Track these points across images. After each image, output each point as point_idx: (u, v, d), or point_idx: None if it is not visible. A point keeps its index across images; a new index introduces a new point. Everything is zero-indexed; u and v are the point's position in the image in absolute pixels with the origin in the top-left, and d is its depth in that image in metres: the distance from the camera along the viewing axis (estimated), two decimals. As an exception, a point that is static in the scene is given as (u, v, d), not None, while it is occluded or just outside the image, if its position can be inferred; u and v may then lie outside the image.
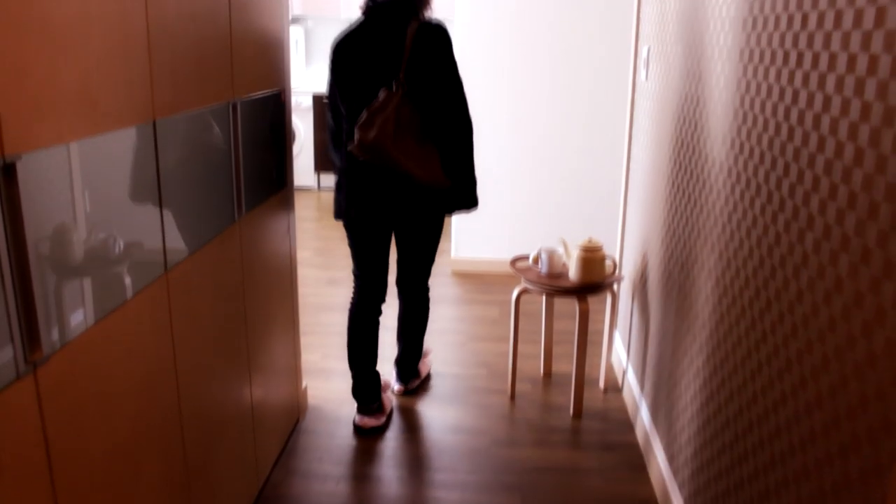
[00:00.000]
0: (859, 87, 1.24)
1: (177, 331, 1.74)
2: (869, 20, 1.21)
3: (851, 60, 1.27)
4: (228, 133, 2.04)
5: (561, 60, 4.59)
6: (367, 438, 2.90)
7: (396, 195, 2.77)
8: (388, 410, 3.10)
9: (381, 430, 3.00)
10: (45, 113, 1.20)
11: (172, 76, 1.66)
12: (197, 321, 1.87)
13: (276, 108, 2.50)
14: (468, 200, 2.87)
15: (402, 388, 3.28)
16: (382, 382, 3.16)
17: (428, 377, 3.44)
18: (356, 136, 2.63)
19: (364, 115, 2.62)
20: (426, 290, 3.18)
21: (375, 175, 2.75)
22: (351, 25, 2.74)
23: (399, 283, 3.14)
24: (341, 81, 2.74)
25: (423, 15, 2.73)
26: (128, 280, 1.50)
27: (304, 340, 3.81)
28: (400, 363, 3.27)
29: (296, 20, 7.46)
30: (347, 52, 2.72)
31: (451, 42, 2.72)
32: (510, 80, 4.64)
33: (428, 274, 3.13)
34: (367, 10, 2.73)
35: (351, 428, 2.98)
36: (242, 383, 2.25)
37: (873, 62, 1.19)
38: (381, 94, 2.63)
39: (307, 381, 3.34)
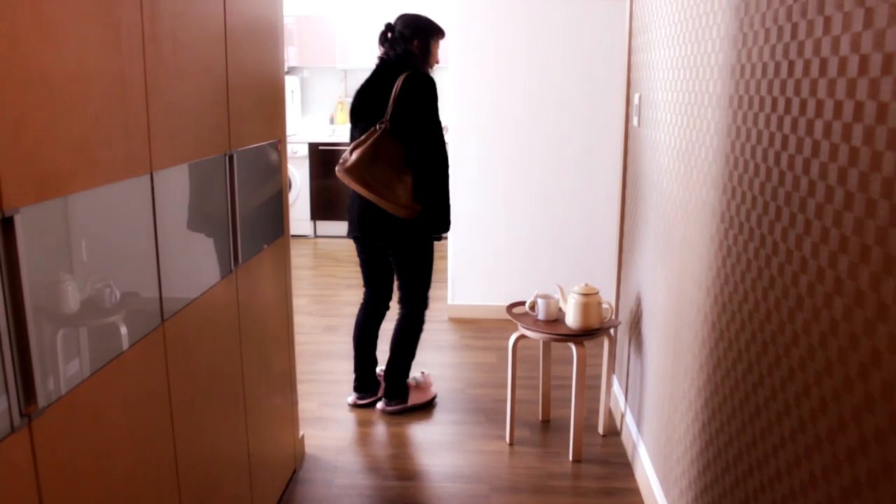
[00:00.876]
0: (846, 133, 1.26)
1: (173, 381, 1.73)
2: (853, 67, 1.23)
3: (838, 106, 1.29)
4: (225, 183, 2.05)
5: (554, 106, 4.64)
6: (364, 483, 2.88)
7: (374, 217, 3.29)
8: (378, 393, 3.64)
9: (372, 405, 3.61)
10: (44, 166, 1.21)
11: (170, 129, 1.68)
12: (193, 371, 1.86)
13: (273, 157, 2.53)
14: (440, 224, 3.33)
15: (383, 405, 3.52)
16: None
17: (415, 409, 3.54)
18: (340, 162, 3.21)
19: (351, 146, 3.20)
20: (415, 309, 3.50)
21: (359, 200, 3.31)
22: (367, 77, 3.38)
23: (399, 300, 3.55)
24: (352, 121, 3.38)
25: (424, 69, 3.31)
26: (124, 331, 1.50)
27: (301, 388, 3.79)
28: (385, 374, 3.54)
29: (292, 70, 7.57)
30: (358, 97, 3.34)
31: (430, 89, 3.22)
32: (504, 127, 4.69)
33: (414, 295, 3.48)
34: (378, 64, 3.34)
35: (349, 478, 2.95)
36: (239, 433, 2.24)
37: (859, 108, 1.21)
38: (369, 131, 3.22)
39: (304, 430, 3.31)
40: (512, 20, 4.55)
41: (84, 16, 1.32)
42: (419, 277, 3.43)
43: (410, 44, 3.26)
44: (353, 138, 3.34)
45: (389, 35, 3.29)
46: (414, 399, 3.55)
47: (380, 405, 3.53)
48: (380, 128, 3.16)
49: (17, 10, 1.13)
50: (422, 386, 3.60)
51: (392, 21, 3.32)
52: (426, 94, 3.19)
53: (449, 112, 4.76)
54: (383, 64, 3.29)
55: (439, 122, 3.25)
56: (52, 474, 1.24)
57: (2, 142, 1.10)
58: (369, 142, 3.14)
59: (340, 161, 3.17)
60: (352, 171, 3.14)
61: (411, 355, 3.53)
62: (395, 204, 3.17)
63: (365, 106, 3.27)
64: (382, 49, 3.32)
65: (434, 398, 3.63)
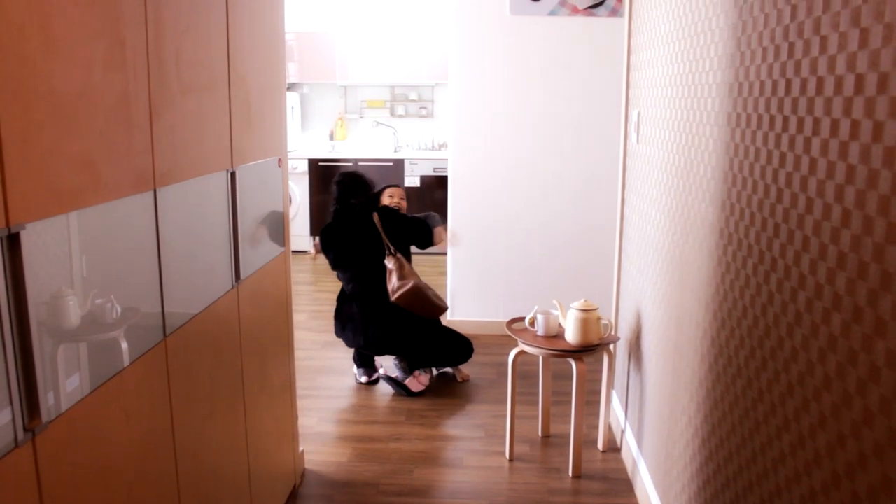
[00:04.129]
0: (843, 151, 1.27)
1: (174, 396, 1.73)
2: (849, 86, 1.25)
3: (834, 124, 1.31)
4: (226, 200, 2.06)
5: (554, 123, 4.67)
6: (363, 499, 2.88)
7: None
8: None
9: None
10: (50, 183, 1.23)
11: (173, 146, 1.69)
12: (194, 386, 1.87)
13: (274, 174, 2.54)
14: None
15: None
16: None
17: (400, 385, 3.92)
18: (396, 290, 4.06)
19: (394, 284, 3.97)
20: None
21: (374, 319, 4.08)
22: None
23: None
24: (346, 266, 4.11)
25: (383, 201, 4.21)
26: (127, 346, 1.51)
27: (301, 404, 3.78)
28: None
29: (292, 87, 7.60)
30: (341, 247, 4.09)
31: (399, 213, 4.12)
32: (503, 144, 4.71)
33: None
34: (341, 212, 4.05)
35: (348, 494, 2.95)
36: (239, 449, 2.24)
37: (855, 126, 1.23)
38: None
39: (304, 446, 3.31)
40: (512, 37, 4.58)
41: (90, 34, 1.34)
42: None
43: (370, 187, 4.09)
44: (353, 277, 4.01)
45: (343, 189, 4.04)
46: (411, 384, 3.93)
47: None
48: (396, 254, 3.92)
49: (24, 29, 1.15)
50: (419, 378, 3.94)
51: (339, 178, 4.08)
52: (402, 216, 4.04)
53: (449, 127, 4.79)
54: (350, 211, 3.99)
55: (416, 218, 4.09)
56: (55, 489, 1.25)
57: (9, 158, 1.11)
58: (407, 268, 3.92)
59: (396, 287, 3.86)
60: (416, 289, 3.85)
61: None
62: (442, 305, 3.97)
63: (356, 252, 3.95)
64: (338, 203, 4.02)
65: (418, 391, 3.91)
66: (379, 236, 3.95)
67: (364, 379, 4.08)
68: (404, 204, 4.22)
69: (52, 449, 1.24)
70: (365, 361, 4.14)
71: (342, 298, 4.14)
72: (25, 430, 1.17)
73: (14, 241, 1.13)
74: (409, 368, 3.99)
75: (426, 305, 3.89)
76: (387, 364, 4.19)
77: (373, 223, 3.96)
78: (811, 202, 1.40)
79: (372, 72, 7.32)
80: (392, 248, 3.93)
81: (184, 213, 1.78)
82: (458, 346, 4.09)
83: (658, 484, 2.63)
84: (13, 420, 1.14)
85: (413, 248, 4.15)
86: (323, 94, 7.73)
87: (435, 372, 4.16)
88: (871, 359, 1.17)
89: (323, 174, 7.16)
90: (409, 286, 3.82)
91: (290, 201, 7.13)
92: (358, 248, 3.97)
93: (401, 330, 3.94)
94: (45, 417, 1.21)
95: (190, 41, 1.78)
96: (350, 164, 7.12)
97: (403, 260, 3.93)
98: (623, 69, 3.46)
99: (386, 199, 4.18)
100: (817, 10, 1.38)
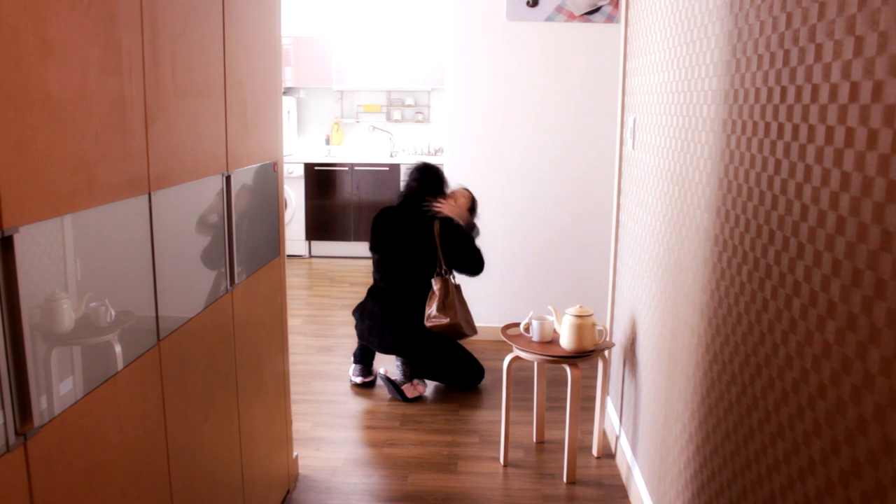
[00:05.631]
0: (838, 158, 1.28)
1: (168, 400, 1.73)
2: (844, 94, 1.25)
3: (829, 132, 1.31)
4: (222, 204, 2.06)
5: (550, 129, 4.67)
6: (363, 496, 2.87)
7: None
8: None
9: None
10: (44, 186, 1.22)
11: (168, 149, 1.69)
12: (188, 391, 1.86)
13: (270, 178, 2.54)
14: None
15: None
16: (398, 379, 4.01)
17: (401, 393, 3.89)
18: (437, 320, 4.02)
19: (435, 308, 3.95)
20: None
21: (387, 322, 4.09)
22: None
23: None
24: (382, 251, 4.10)
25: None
26: (121, 350, 1.50)
27: (295, 409, 3.77)
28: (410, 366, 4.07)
29: (288, 91, 7.60)
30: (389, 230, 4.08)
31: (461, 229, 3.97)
32: (499, 150, 4.72)
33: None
34: (405, 201, 4.01)
35: (343, 499, 2.94)
36: (233, 453, 2.23)
37: (850, 134, 1.23)
38: None
39: (298, 451, 3.30)
40: (508, 43, 4.59)
41: (86, 37, 1.34)
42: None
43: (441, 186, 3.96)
44: (387, 270, 3.98)
45: (420, 177, 3.95)
46: (408, 390, 3.92)
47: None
48: (446, 275, 3.85)
49: (20, 32, 1.15)
50: (416, 386, 3.94)
51: (421, 166, 4.00)
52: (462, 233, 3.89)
53: (446, 133, 4.79)
54: (416, 206, 3.89)
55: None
56: (47, 494, 1.24)
57: (3, 161, 1.11)
58: (451, 296, 3.81)
59: (433, 317, 3.78)
60: (451, 327, 3.78)
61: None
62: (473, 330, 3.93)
63: (402, 249, 3.90)
64: (409, 189, 3.96)
65: (413, 398, 3.91)
66: (432, 245, 3.86)
67: (359, 380, 4.07)
68: (463, 213, 3.93)
69: (44, 453, 1.23)
70: (364, 359, 4.11)
71: (369, 292, 4.12)
72: (17, 434, 1.16)
73: (7, 243, 1.13)
74: (409, 374, 3.96)
75: (456, 335, 3.87)
76: (389, 365, 4.18)
77: (432, 231, 3.87)
78: (806, 209, 1.40)
79: (368, 77, 7.32)
80: (444, 268, 3.85)
81: (179, 216, 1.78)
82: (469, 371, 4.04)
83: (652, 490, 2.63)
84: (5, 424, 1.13)
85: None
86: (319, 99, 7.73)
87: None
88: (866, 366, 1.18)
89: (319, 179, 7.16)
90: (444, 322, 3.77)
91: (286, 206, 7.13)
92: (406, 246, 3.90)
93: (417, 340, 3.91)
94: (37, 421, 1.21)
95: (186, 45, 1.78)
96: (346, 168, 7.12)
97: (452, 285, 3.84)
98: (619, 75, 3.47)
99: (448, 203, 3.92)
100: (812, 18, 1.38)
